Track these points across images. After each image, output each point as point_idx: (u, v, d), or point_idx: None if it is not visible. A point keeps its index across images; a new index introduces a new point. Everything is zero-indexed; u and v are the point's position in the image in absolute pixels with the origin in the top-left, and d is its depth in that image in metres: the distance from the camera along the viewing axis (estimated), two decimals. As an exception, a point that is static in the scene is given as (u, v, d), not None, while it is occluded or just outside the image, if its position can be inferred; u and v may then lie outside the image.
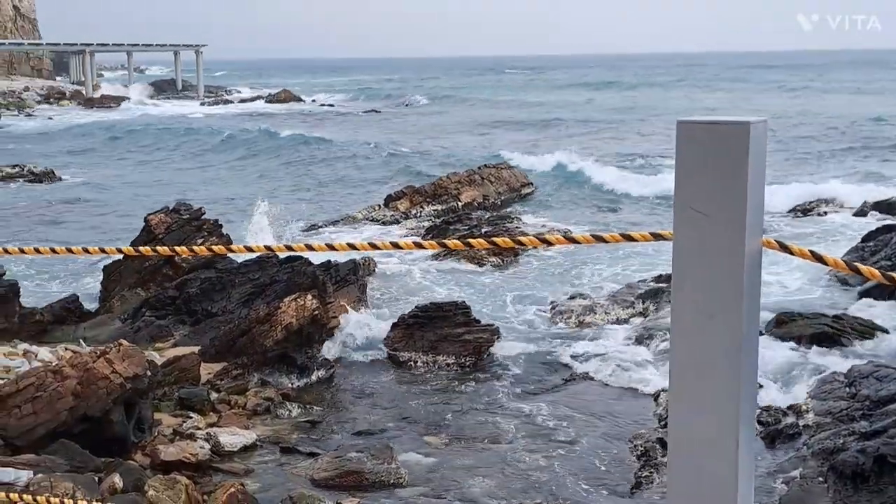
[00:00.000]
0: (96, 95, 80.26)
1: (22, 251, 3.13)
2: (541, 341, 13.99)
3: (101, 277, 16.35)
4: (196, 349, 13.02)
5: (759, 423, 10.20)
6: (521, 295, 16.50)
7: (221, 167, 38.17)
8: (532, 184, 27.76)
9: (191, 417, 10.96)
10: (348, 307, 14.72)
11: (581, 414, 11.40)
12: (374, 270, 17.52)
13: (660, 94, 77.52)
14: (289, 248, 2.54)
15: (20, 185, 32.69)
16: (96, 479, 8.61)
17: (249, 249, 2.72)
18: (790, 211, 23.79)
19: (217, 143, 43.96)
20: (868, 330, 13.02)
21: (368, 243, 2.32)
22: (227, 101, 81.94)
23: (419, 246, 2.28)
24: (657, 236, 1.88)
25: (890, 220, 20.15)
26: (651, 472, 9.52)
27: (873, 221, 21.02)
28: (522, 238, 2.60)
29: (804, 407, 10.54)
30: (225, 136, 45.34)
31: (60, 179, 34.14)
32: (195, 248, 2.95)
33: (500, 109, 64.27)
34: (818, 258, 1.73)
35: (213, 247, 2.78)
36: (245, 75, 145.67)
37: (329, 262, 15.26)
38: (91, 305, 15.71)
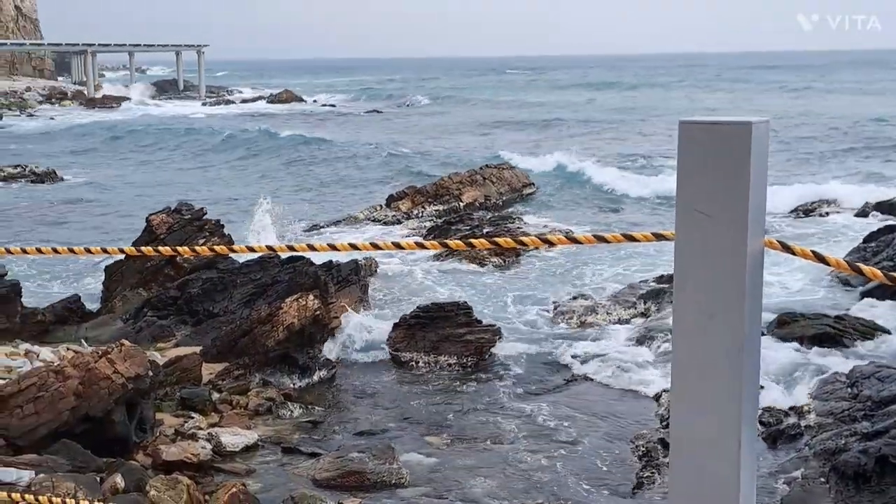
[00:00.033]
0: (98, 96, 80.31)
1: (24, 251, 3.13)
2: (542, 342, 13.98)
3: (102, 277, 16.36)
4: (198, 349, 13.03)
5: (761, 423, 10.20)
6: (522, 295, 16.50)
7: (222, 167, 38.19)
8: (533, 184, 27.76)
9: (192, 417, 10.96)
10: (350, 307, 14.72)
11: (582, 414, 11.40)
12: (375, 271, 17.52)
13: (661, 95, 77.50)
14: (291, 248, 2.54)
15: (22, 185, 32.72)
16: (98, 479, 8.62)
17: (251, 249, 2.72)
18: (792, 211, 23.78)
19: (218, 144, 43.98)
20: (870, 330, 13.02)
21: (370, 243, 2.32)
22: (228, 102, 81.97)
23: (421, 246, 2.28)
24: (659, 236, 1.88)
25: (892, 221, 20.12)
26: (652, 473, 9.52)
27: (875, 222, 21.01)
28: (524, 238, 2.61)
29: (806, 407, 10.53)
30: (226, 137, 45.37)
31: (62, 180, 34.17)
32: (197, 248, 2.96)
33: (501, 110, 64.29)
34: (820, 258, 1.73)
35: (215, 247, 2.79)
36: (246, 75, 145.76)
37: (331, 262, 15.27)
38: (93, 305, 15.72)
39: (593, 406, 11.72)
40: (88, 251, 2.93)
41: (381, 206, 24.82)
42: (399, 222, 23.41)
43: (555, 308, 15.46)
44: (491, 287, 17.14)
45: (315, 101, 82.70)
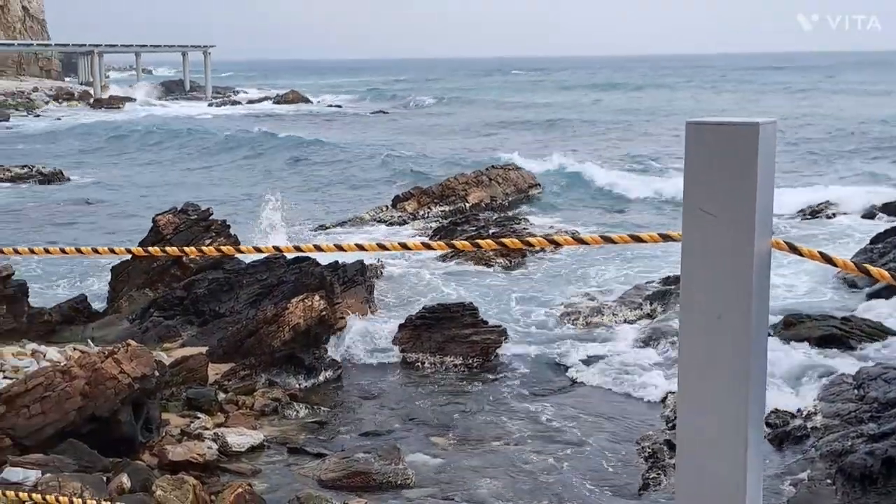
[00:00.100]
0: (105, 96, 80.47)
1: (32, 251, 3.14)
2: (548, 343, 13.97)
3: (109, 278, 16.39)
4: (204, 349, 13.05)
5: (767, 424, 10.18)
6: (528, 296, 16.49)
7: (229, 168, 38.25)
8: (539, 185, 27.73)
9: (198, 418, 10.97)
10: (356, 308, 14.74)
11: (588, 415, 11.40)
12: (381, 273, 17.52)
13: (667, 96, 77.44)
14: (297, 248, 2.54)
15: (30, 185, 32.82)
16: (104, 478, 8.63)
17: (258, 250, 2.72)
18: (798, 213, 23.73)
19: (225, 145, 44.00)
20: (877, 332, 12.99)
21: (377, 244, 2.32)
22: (234, 102, 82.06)
23: (428, 247, 2.28)
24: (666, 237, 1.88)
25: (898, 222, 20.08)
26: (658, 474, 9.51)
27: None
28: (530, 239, 2.60)
29: (812, 409, 10.51)
30: (233, 138, 45.37)
31: (69, 180, 34.25)
32: (204, 248, 2.97)
33: (506, 110, 64.28)
34: (827, 259, 1.73)
35: (222, 247, 2.79)
36: (252, 76, 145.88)
37: (337, 262, 15.28)
38: (99, 306, 15.76)
39: (599, 407, 11.72)
40: (95, 251, 2.94)
41: (387, 206, 24.83)
42: (405, 223, 23.42)
43: (561, 309, 15.45)
44: (497, 288, 17.14)
45: (321, 101, 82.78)
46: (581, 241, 2.16)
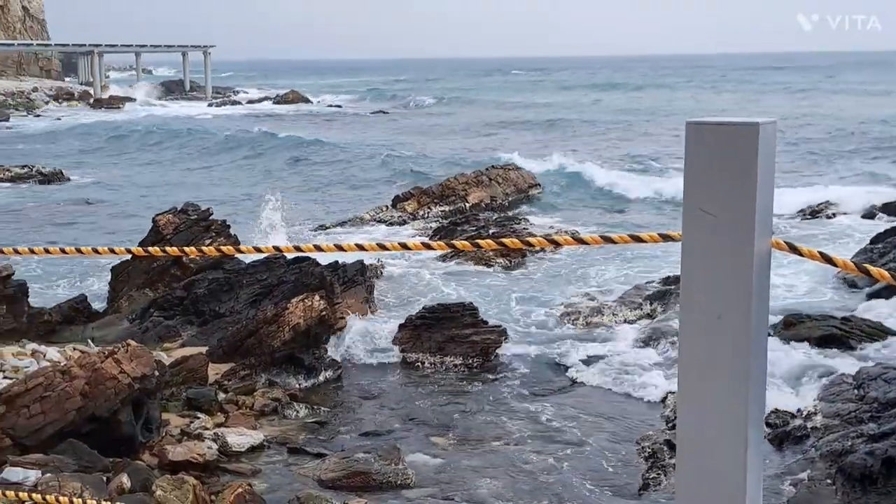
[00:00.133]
0: (105, 96, 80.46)
1: (32, 251, 3.14)
2: (548, 343, 13.98)
3: (109, 278, 16.40)
4: (204, 349, 13.05)
5: (767, 424, 10.18)
6: (528, 296, 16.49)
7: (229, 168, 38.25)
8: (540, 185, 27.74)
9: (198, 418, 10.98)
10: (356, 308, 14.74)
11: (588, 415, 11.40)
12: (381, 273, 17.52)
13: (667, 96, 77.45)
14: (297, 248, 2.54)
15: (30, 185, 32.82)
16: (104, 478, 8.63)
17: (258, 250, 2.72)
18: (798, 213, 23.73)
19: (225, 145, 44.00)
20: (876, 332, 12.99)
21: (377, 244, 2.32)
22: (234, 102, 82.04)
23: (428, 247, 2.28)
24: (666, 237, 1.88)
25: (898, 222, 20.08)
26: (658, 474, 9.51)
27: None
28: (531, 239, 2.60)
29: (812, 409, 10.51)
30: (233, 138, 45.38)
31: (69, 180, 34.27)
32: (204, 248, 2.97)
33: (507, 110, 64.28)
34: (827, 259, 1.73)
35: (222, 247, 2.79)
36: (251, 76, 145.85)
37: (337, 262, 15.28)
38: (99, 306, 15.76)
39: (599, 407, 11.72)
40: (96, 251, 2.94)
41: (386, 206, 24.83)
42: (405, 223, 23.43)
43: (561, 309, 15.46)
44: (497, 288, 17.14)
45: (321, 101, 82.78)
46: (581, 241, 2.16)
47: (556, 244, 2.04)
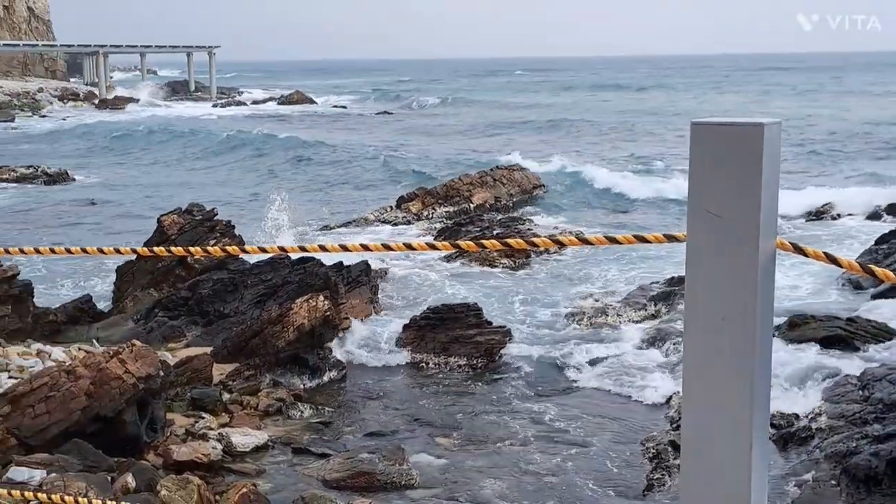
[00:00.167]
0: (110, 97, 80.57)
1: (37, 251, 3.15)
2: (553, 343, 13.97)
3: (113, 278, 16.42)
4: (208, 350, 13.06)
5: (772, 426, 10.17)
6: (533, 296, 16.49)
7: (234, 168, 38.29)
8: (544, 186, 27.73)
9: (203, 418, 10.99)
10: (360, 308, 14.75)
11: (592, 416, 11.39)
12: (385, 274, 17.53)
13: (670, 96, 77.41)
14: (302, 248, 2.54)
15: (35, 186, 32.89)
16: (109, 478, 8.65)
17: (263, 250, 2.73)
18: (803, 214, 23.68)
19: (229, 145, 44.04)
20: (882, 333, 12.96)
21: (382, 244, 2.32)
22: (239, 103, 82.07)
23: (432, 247, 2.29)
24: (671, 238, 1.88)
25: (903, 223, 20.05)
26: (663, 475, 9.51)
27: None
28: (535, 239, 2.60)
29: (817, 410, 10.50)
30: (238, 139, 45.42)
31: (74, 180, 34.33)
32: (209, 248, 2.97)
33: (510, 111, 64.26)
34: (832, 260, 1.73)
35: (227, 247, 2.80)
36: (256, 77, 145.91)
37: (341, 263, 15.30)
38: (104, 306, 15.79)
39: (603, 408, 11.71)
40: (101, 251, 2.95)
41: (391, 207, 24.84)
42: (409, 223, 23.44)
43: (565, 310, 15.45)
44: (501, 288, 17.13)
45: (326, 102, 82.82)
46: (586, 242, 2.16)
47: (561, 245, 2.04)
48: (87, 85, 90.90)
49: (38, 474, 8.32)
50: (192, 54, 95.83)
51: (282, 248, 2.66)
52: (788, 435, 10.09)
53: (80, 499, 3.11)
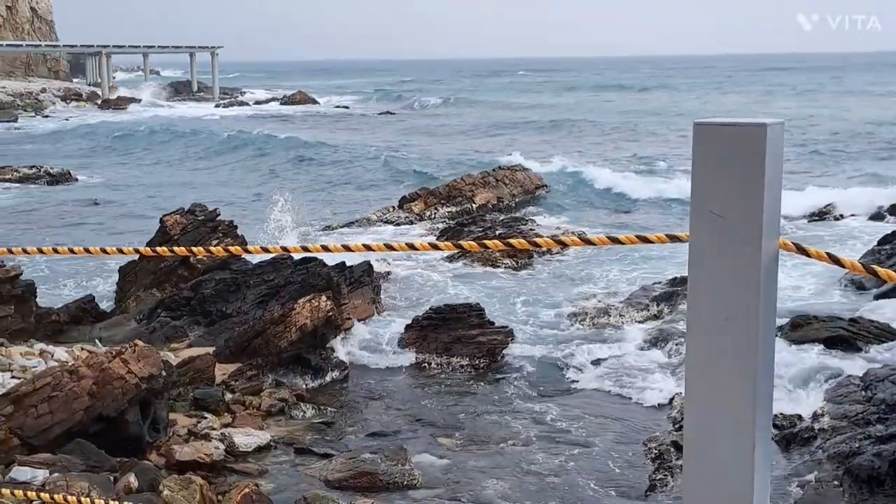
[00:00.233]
0: (113, 97, 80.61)
1: (40, 251, 3.16)
2: (555, 343, 13.97)
3: (116, 278, 16.43)
4: (211, 350, 13.07)
5: (775, 426, 10.16)
6: (535, 297, 16.49)
7: (236, 168, 38.31)
8: (546, 186, 27.73)
9: (205, 418, 11.00)
10: (362, 309, 14.75)
11: (595, 416, 11.39)
12: (388, 274, 17.53)
13: (673, 97, 77.37)
14: (305, 248, 2.55)
15: (38, 186, 32.91)
16: (112, 478, 8.65)
17: (266, 250, 2.73)
18: (805, 215, 23.66)
19: (232, 146, 44.06)
20: (884, 333, 12.95)
21: (384, 244, 2.33)
22: (242, 103, 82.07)
23: (435, 247, 2.29)
24: (673, 238, 1.88)
25: (906, 224, 20.02)
26: (665, 475, 9.50)
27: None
28: (538, 239, 2.61)
29: (819, 410, 10.49)
30: (240, 139, 45.42)
31: (77, 180, 34.35)
32: (212, 248, 2.98)
33: (513, 111, 64.27)
34: (835, 260, 1.73)
35: (230, 247, 2.80)
36: (258, 77, 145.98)
37: (343, 263, 15.30)
38: (107, 306, 15.80)
39: (605, 408, 11.71)
40: (104, 251, 2.95)
41: (393, 207, 24.85)
42: (412, 224, 23.44)
43: (568, 310, 15.45)
44: (504, 289, 17.13)
45: (328, 102, 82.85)
46: (588, 242, 2.16)
47: (564, 245, 2.04)
48: (89, 85, 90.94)
49: (41, 474, 8.32)
50: (195, 55, 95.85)
51: (284, 248, 2.67)
52: (791, 435, 10.08)
53: (82, 499, 3.11)
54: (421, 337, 13.69)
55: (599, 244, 2.06)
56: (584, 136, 46.59)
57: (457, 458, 10.24)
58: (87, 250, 2.97)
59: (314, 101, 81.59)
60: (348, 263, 15.40)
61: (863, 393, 10.47)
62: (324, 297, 13.12)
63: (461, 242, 2.23)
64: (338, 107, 77.74)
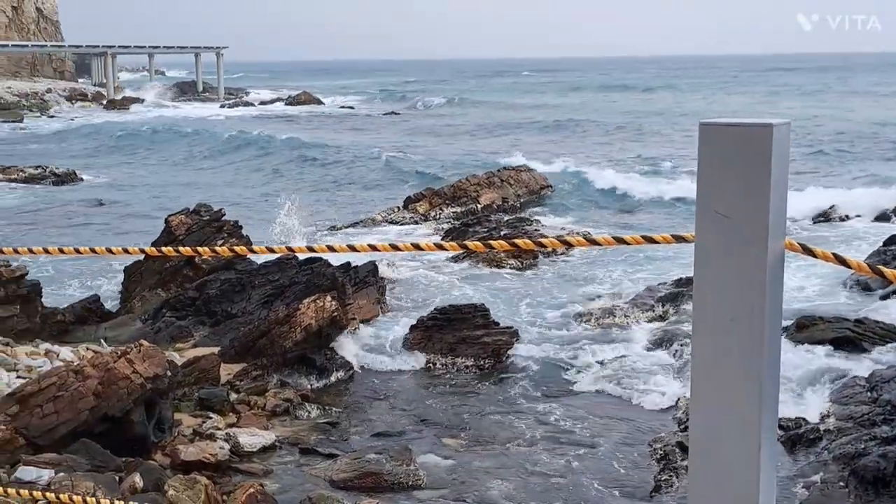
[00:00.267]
0: (118, 97, 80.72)
1: (45, 251, 3.16)
2: (560, 344, 13.96)
3: (121, 278, 16.46)
4: (216, 350, 13.09)
5: (780, 427, 10.14)
6: (540, 297, 16.47)
7: (241, 169, 38.34)
8: (551, 186, 27.71)
9: (210, 418, 11.01)
10: (367, 309, 14.75)
11: (599, 417, 11.38)
12: (393, 274, 17.53)
13: (677, 97, 77.26)
14: (310, 248, 2.55)
15: (44, 186, 32.97)
16: (117, 478, 8.66)
17: (271, 250, 2.73)
18: (810, 216, 23.61)
19: (237, 146, 44.09)
20: (890, 334, 12.92)
21: (389, 244, 2.32)
22: (247, 104, 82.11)
23: (440, 247, 2.28)
24: (679, 238, 1.87)
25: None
26: (671, 476, 9.49)
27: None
28: (543, 240, 2.60)
29: (825, 411, 10.47)
30: (245, 139, 45.43)
31: (82, 180, 34.41)
32: (217, 248, 2.98)
33: (517, 111, 64.21)
34: (841, 261, 1.73)
35: (235, 247, 2.80)
36: (263, 77, 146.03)
37: (349, 263, 15.30)
38: (112, 306, 15.82)
39: (610, 409, 11.70)
40: (109, 251, 2.95)
41: (398, 207, 24.85)
42: (416, 224, 23.45)
43: (573, 311, 15.43)
44: (508, 289, 17.12)
45: (333, 102, 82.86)
46: (593, 242, 2.16)
47: (569, 245, 2.03)
48: (95, 85, 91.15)
49: (47, 474, 8.34)
50: (200, 55, 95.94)
51: (289, 249, 2.66)
52: (797, 436, 10.06)
53: (87, 498, 3.12)
54: (426, 337, 13.68)
55: (605, 244, 2.06)
56: (589, 136, 46.55)
57: (462, 458, 10.24)
58: (92, 250, 2.97)
59: (319, 102, 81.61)
60: (353, 264, 15.41)
61: (868, 394, 10.45)
62: (329, 298, 13.13)
63: (466, 243, 2.23)
64: (343, 107, 77.73)
